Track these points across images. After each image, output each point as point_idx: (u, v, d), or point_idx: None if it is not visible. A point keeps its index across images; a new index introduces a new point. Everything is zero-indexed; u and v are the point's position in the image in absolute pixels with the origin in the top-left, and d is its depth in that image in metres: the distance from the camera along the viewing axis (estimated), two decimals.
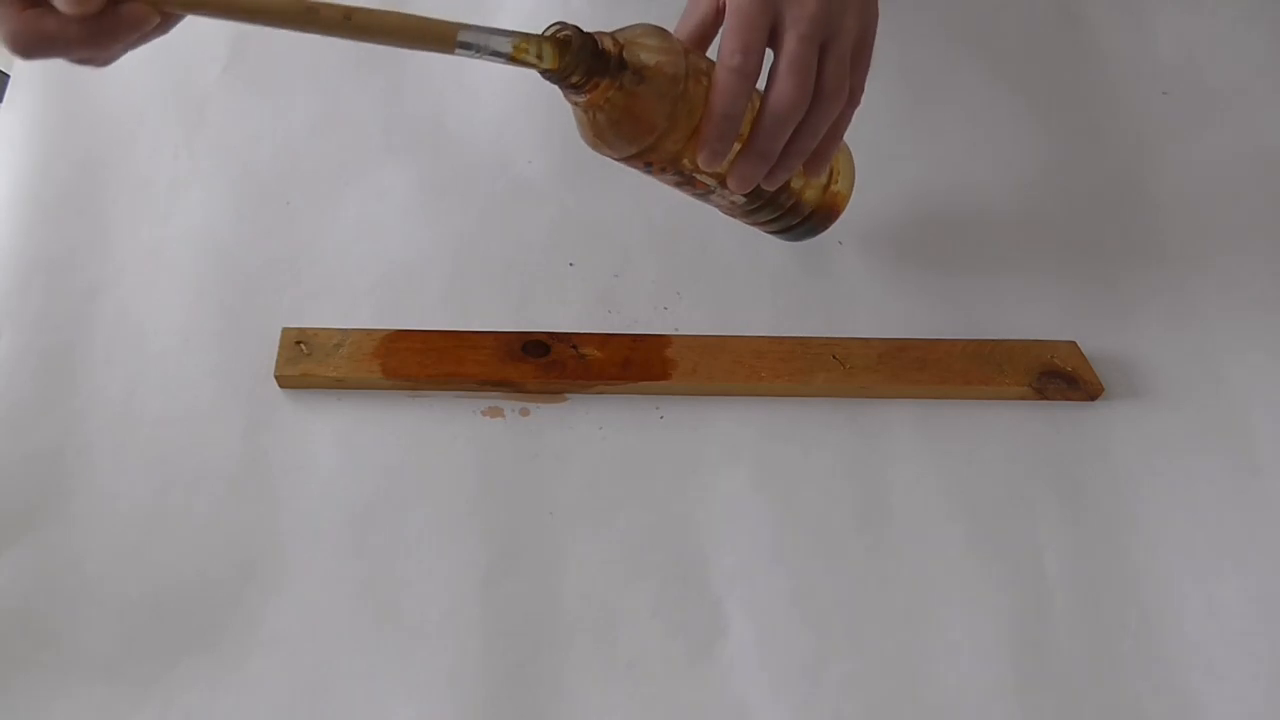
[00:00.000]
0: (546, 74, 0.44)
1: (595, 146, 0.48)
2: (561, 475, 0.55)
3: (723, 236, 0.62)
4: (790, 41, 0.45)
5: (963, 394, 0.57)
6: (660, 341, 0.58)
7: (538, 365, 0.57)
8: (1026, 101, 0.67)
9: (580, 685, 0.50)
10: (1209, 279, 0.61)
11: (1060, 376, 0.57)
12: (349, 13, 0.40)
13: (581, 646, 0.51)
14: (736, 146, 0.47)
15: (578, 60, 0.43)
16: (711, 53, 0.48)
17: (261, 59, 0.70)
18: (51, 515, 0.54)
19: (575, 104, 0.47)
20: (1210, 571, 0.53)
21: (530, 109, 0.68)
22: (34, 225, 0.63)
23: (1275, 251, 0.62)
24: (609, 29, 0.73)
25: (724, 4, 0.47)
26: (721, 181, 0.50)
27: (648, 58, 0.45)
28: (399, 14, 0.41)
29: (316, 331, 0.58)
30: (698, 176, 0.49)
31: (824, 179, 0.54)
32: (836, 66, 0.46)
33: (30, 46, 0.38)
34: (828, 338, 0.58)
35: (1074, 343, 0.58)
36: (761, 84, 0.47)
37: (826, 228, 0.57)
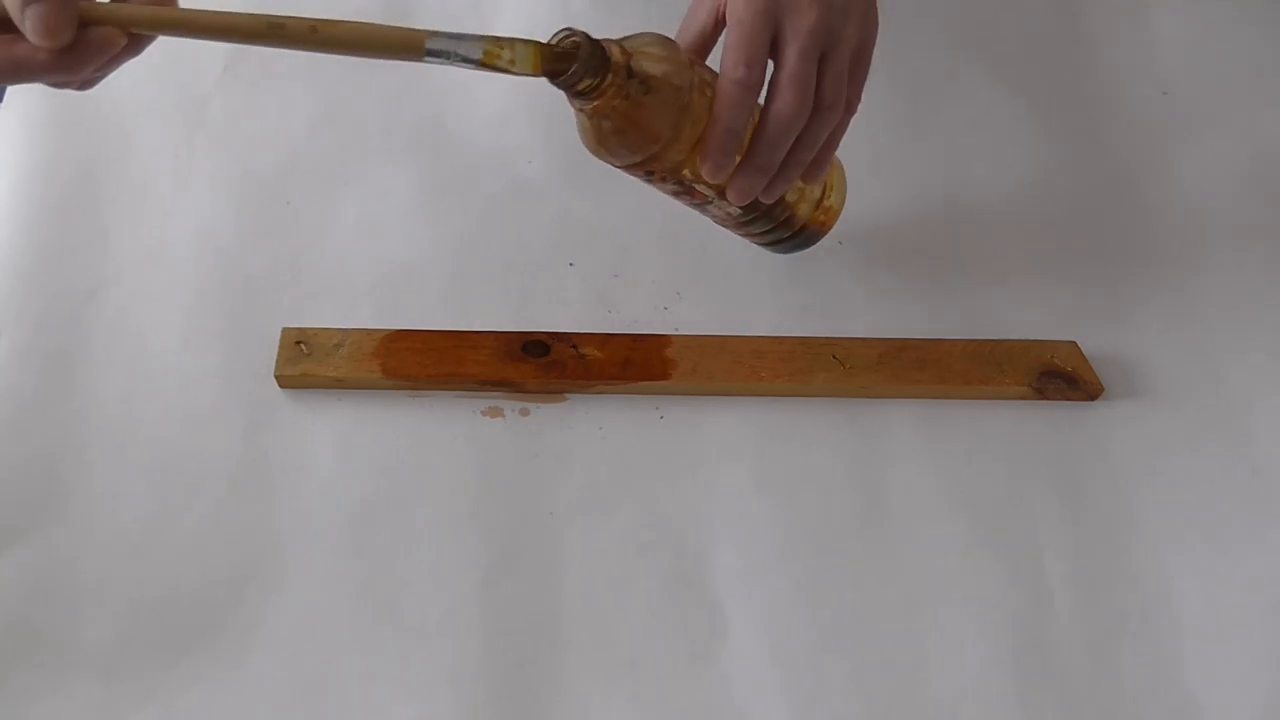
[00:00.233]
0: (554, 80, 0.44)
1: (597, 153, 0.49)
2: (561, 475, 0.55)
3: (723, 237, 0.62)
4: (791, 54, 0.45)
5: (963, 394, 0.57)
6: (660, 341, 0.58)
7: (538, 365, 0.57)
8: (1026, 101, 0.67)
9: (580, 685, 0.50)
10: (1209, 279, 0.61)
11: (1060, 376, 0.57)
12: (315, 26, 0.40)
13: (581, 646, 0.51)
14: (736, 158, 0.47)
15: (586, 67, 0.43)
16: (712, 61, 0.48)
17: (262, 59, 0.70)
18: (51, 515, 0.54)
19: (580, 110, 0.47)
20: (1210, 571, 0.53)
21: (530, 109, 0.68)
22: (34, 225, 0.63)
23: (1275, 251, 0.62)
24: (609, 29, 0.73)
25: (723, 14, 0.47)
26: (720, 193, 0.50)
27: (655, 67, 0.45)
28: (366, 24, 0.40)
29: (316, 331, 0.58)
30: (697, 187, 0.49)
31: (818, 193, 0.55)
32: (835, 78, 0.46)
33: (2, 73, 0.38)
34: (828, 338, 0.58)
35: (1074, 343, 0.58)
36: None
37: (817, 241, 0.57)
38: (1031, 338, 0.58)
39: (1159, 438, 0.56)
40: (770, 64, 0.46)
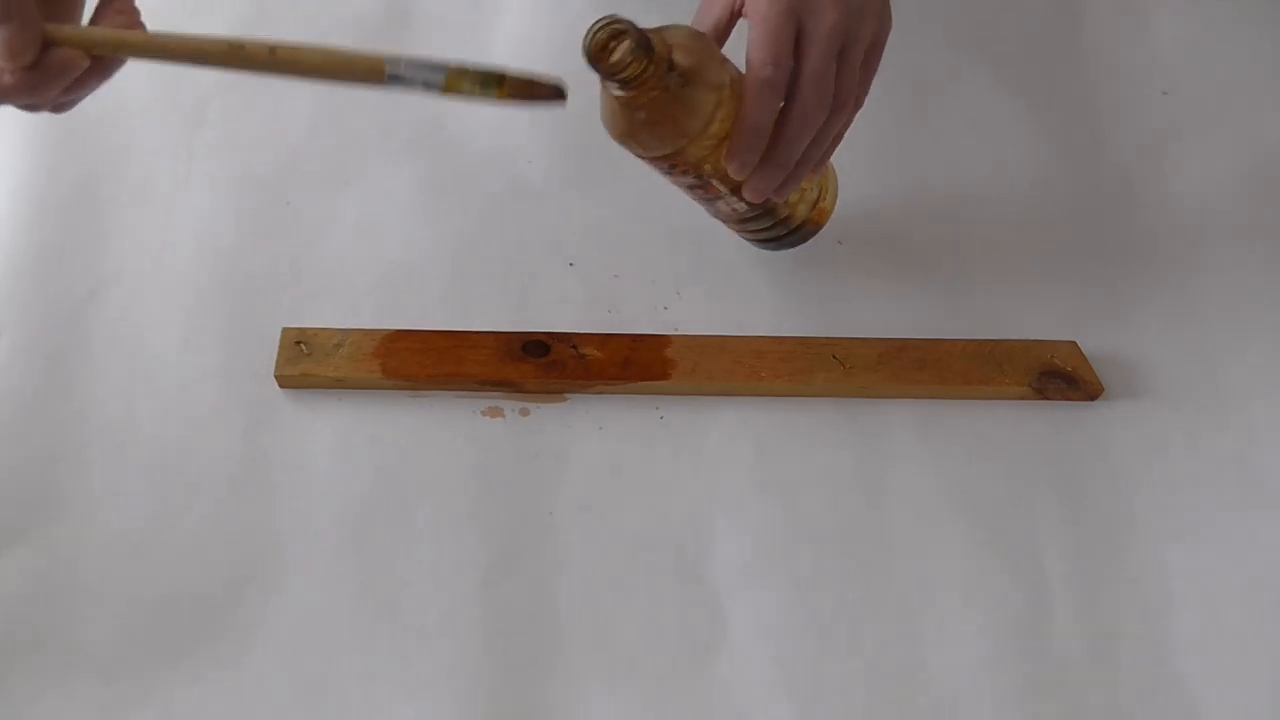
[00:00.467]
0: (597, 66, 0.44)
1: (624, 142, 0.48)
2: (561, 475, 0.55)
3: (723, 236, 0.62)
4: (814, 54, 0.45)
5: (963, 394, 0.57)
6: (660, 341, 0.58)
7: (538, 365, 0.57)
8: (1027, 102, 0.67)
9: (580, 685, 0.50)
10: (1209, 279, 0.61)
11: (1060, 376, 0.57)
12: (273, 48, 0.40)
13: (581, 646, 0.51)
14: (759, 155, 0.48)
15: (633, 56, 0.44)
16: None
17: None
18: (52, 515, 0.54)
19: (616, 98, 0.47)
20: (1210, 571, 0.53)
21: (530, 110, 0.67)
22: (35, 225, 0.63)
23: (1275, 252, 0.62)
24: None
25: (739, 9, 0.48)
26: (735, 189, 0.50)
27: (693, 62, 0.45)
28: (324, 48, 0.40)
29: (316, 331, 0.58)
30: (713, 182, 0.50)
31: (815, 194, 0.55)
32: (850, 76, 0.47)
33: None
34: (828, 338, 0.58)
35: (1074, 343, 0.58)
36: None
37: (808, 240, 0.58)
38: (1031, 338, 0.58)
39: (1159, 438, 0.56)
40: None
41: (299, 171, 0.66)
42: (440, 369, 0.57)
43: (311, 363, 0.57)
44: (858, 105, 0.49)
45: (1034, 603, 0.52)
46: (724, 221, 0.56)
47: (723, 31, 0.50)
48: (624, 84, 0.45)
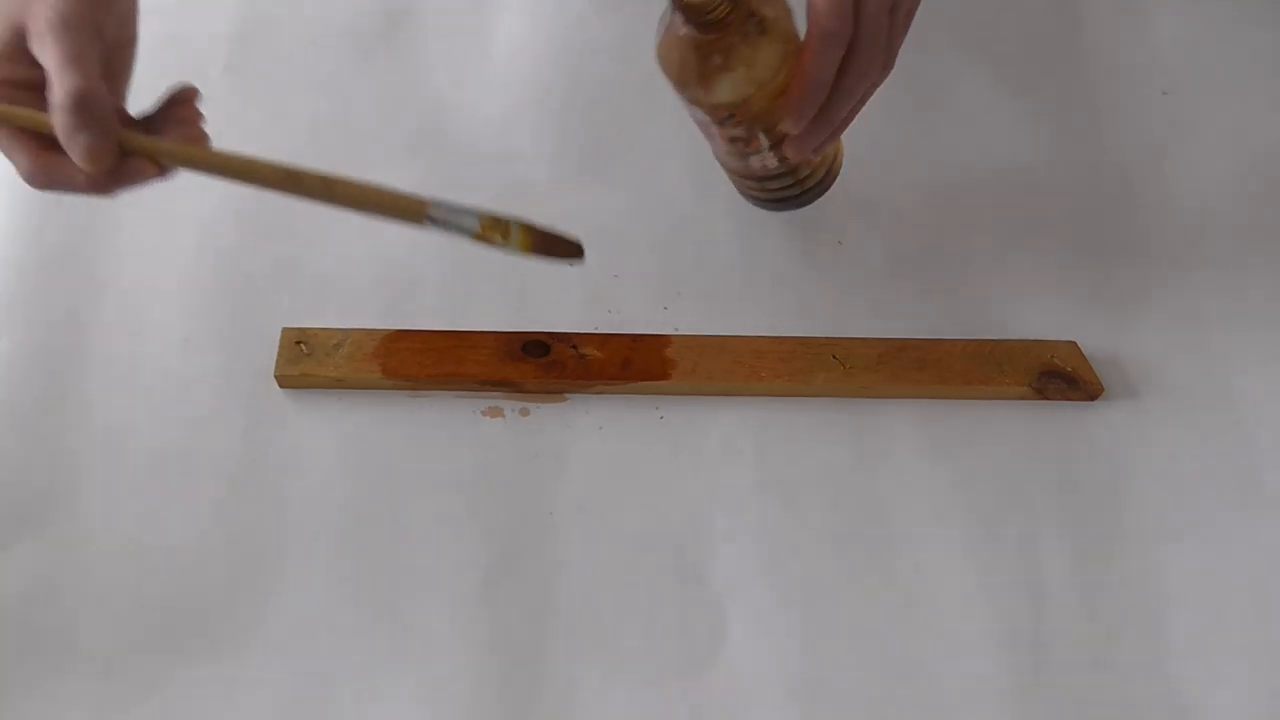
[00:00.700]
0: (682, 4, 0.45)
1: (690, 86, 0.48)
2: (561, 475, 0.55)
3: (723, 236, 0.62)
4: (871, 10, 0.45)
5: (963, 394, 0.57)
6: (660, 341, 0.58)
7: (538, 365, 0.57)
8: (1027, 101, 0.67)
9: (580, 685, 0.50)
10: (1209, 279, 0.61)
11: (1060, 376, 0.57)
12: (329, 182, 0.43)
13: (581, 646, 0.51)
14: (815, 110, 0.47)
15: None
16: None
17: (261, 59, 0.70)
18: (51, 515, 0.54)
19: (691, 42, 0.46)
20: (1210, 571, 0.53)
21: (530, 109, 0.68)
22: (34, 225, 0.63)
23: (1275, 251, 0.62)
24: (609, 30, 0.73)
25: None
26: (776, 144, 0.50)
27: (771, 12, 0.46)
28: (374, 187, 0.43)
29: (316, 331, 0.58)
30: (759, 135, 0.50)
31: (833, 155, 0.56)
32: (897, 35, 0.47)
33: (44, 186, 0.42)
34: (828, 338, 0.58)
35: (1074, 343, 0.58)
36: None
37: (812, 202, 0.58)
38: (1031, 338, 0.58)
39: (1159, 438, 0.56)
40: None
41: None
42: (440, 369, 0.57)
43: (311, 363, 0.57)
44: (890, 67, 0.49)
45: (1034, 603, 0.52)
46: (740, 177, 0.56)
47: None
48: (707, 26, 0.45)
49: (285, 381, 0.58)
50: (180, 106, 0.45)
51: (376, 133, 0.67)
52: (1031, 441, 0.56)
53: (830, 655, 0.51)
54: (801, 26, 0.46)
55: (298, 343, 0.58)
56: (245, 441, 0.56)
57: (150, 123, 0.45)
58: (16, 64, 0.41)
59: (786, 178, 0.54)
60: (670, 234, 0.63)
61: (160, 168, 0.43)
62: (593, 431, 0.57)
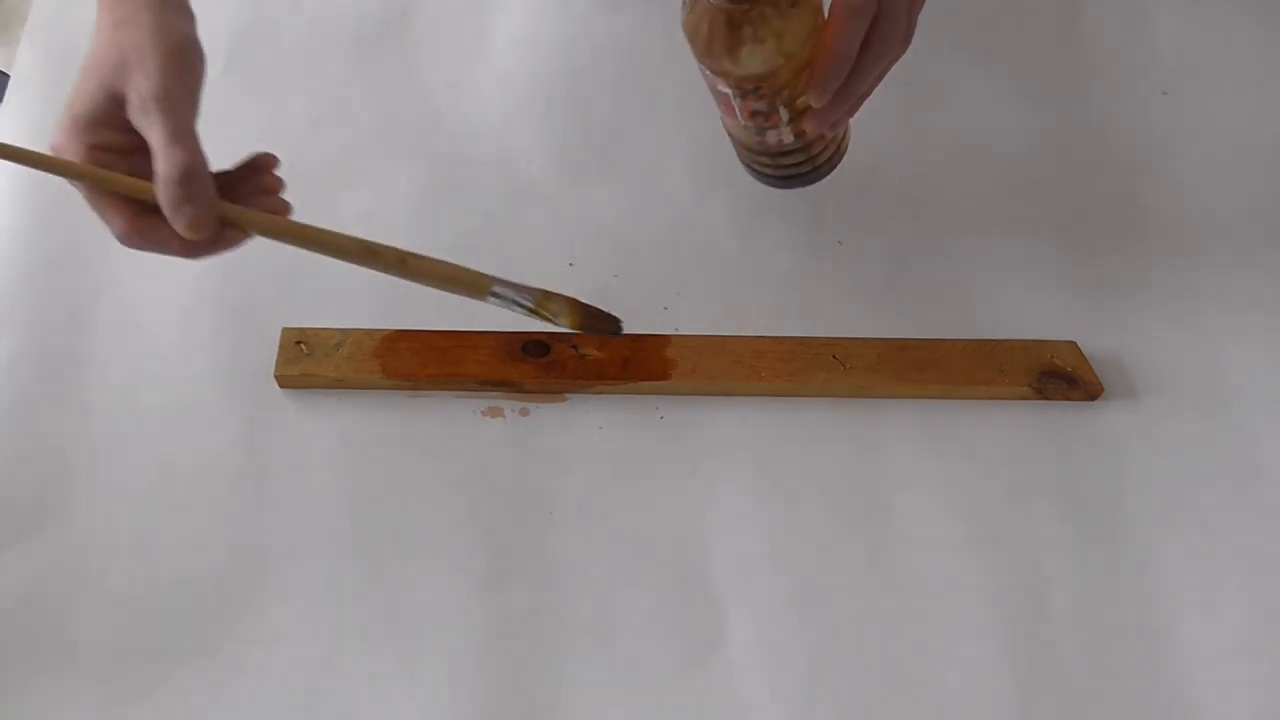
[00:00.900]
0: None
1: (718, 58, 0.48)
2: (561, 475, 0.55)
3: (723, 236, 0.62)
4: None
5: (963, 394, 0.57)
6: (660, 341, 0.58)
7: (538, 365, 0.57)
8: (1026, 102, 0.67)
9: (580, 685, 0.50)
10: (1209, 279, 0.61)
11: (1060, 376, 0.57)
12: (403, 257, 0.46)
13: (581, 646, 0.51)
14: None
15: None
16: None
17: (261, 59, 0.70)
18: (52, 515, 0.54)
19: (723, 12, 0.46)
20: (1210, 571, 0.53)
21: (530, 109, 0.68)
22: (34, 225, 0.63)
23: (1275, 251, 0.62)
24: (609, 29, 0.73)
25: None
26: (795, 118, 0.50)
27: None
28: (444, 263, 0.47)
29: (316, 331, 0.58)
30: (779, 109, 0.50)
31: (843, 132, 0.56)
32: (916, 11, 0.47)
33: (138, 247, 0.44)
34: (828, 338, 0.58)
35: (1074, 343, 0.58)
36: None
37: (820, 180, 0.57)
38: (1031, 338, 0.58)
39: (1159, 438, 0.56)
40: None
41: (299, 171, 0.65)
42: (440, 369, 0.57)
43: (311, 363, 0.57)
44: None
45: (1034, 603, 0.52)
46: (753, 153, 0.56)
47: None
48: None
49: (285, 381, 0.58)
50: (262, 175, 0.47)
51: (376, 133, 0.67)
52: (1031, 441, 0.56)
53: (830, 655, 0.51)
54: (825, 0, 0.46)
55: (298, 343, 0.58)
56: (245, 441, 0.56)
57: (229, 181, 0.46)
58: (113, 131, 0.43)
59: (800, 154, 0.54)
60: (670, 234, 0.63)
61: (247, 235, 0.45)
62: (593, 431, 0.57)
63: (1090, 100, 0.67)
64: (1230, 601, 0.52)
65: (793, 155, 0.54)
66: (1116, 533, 0.54)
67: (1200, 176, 0.64)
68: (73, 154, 0.43)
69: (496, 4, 0.72)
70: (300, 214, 0.64)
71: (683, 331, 0.59)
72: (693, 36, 0.48)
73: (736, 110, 0.51)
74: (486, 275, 0.47)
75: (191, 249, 0.44)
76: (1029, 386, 0.56)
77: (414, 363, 0.57)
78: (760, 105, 0.50)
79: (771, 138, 0.53)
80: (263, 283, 0.61)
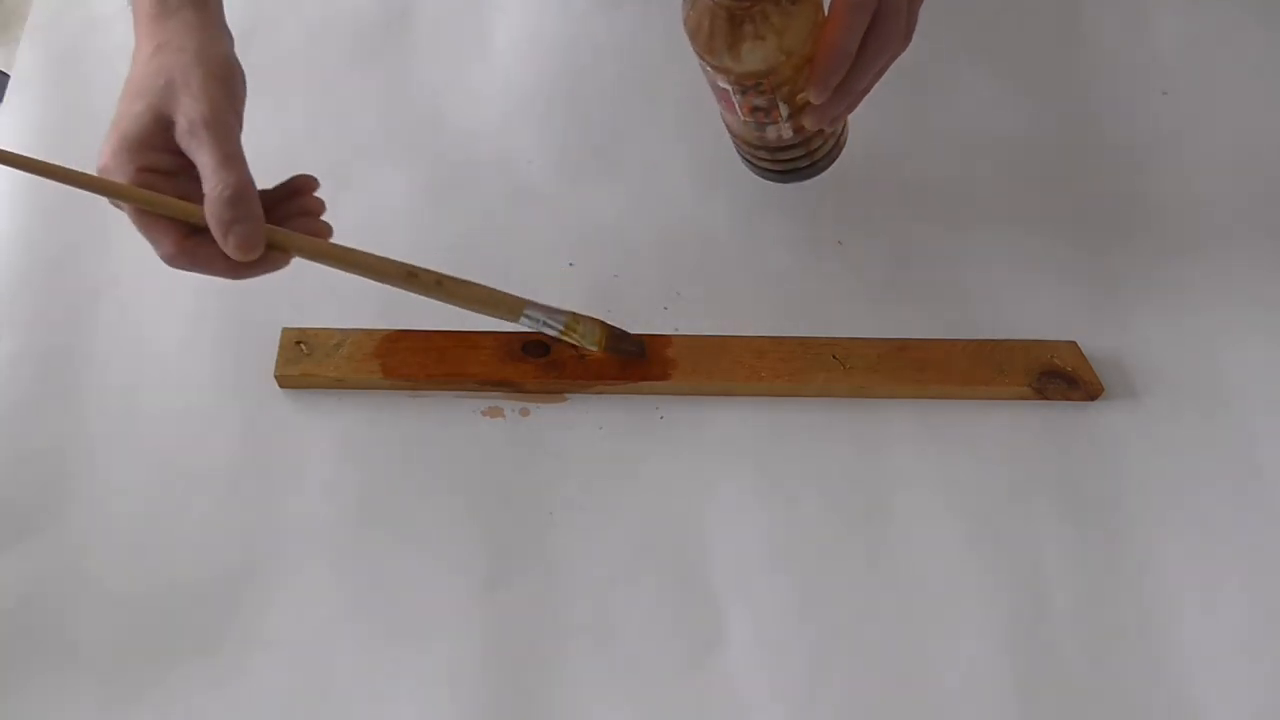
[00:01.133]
0: None
1: (719, 54, 0.48)
2: (561, 475, 0.55)
3: (723, 236, 0.62)
4: None
5: (963, 394, 0.57)
6: (660, 341, 0.58)
7: (538, 365, 0.57)
8: (1026, 101, 0.67)
9: (580, 685, 0.50)
10: (1209, 279, 0.61)
11: (1060, 376, 0.57)
12: (440, 280, 0.48)
13: (581, 646, 0.51)
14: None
15: None
16: None
17: (261, 59, 0.69)
18: (52, 515, 0.54)
19: (725, 8, 0.46)
20: (1210, 571, 0.53)
21: (530, 109, 0.68)
22: (34, 225, 0.63)
23: (1275, 251, 0.62)
24: (609, 29, 0.73)
25: None
26: (794, 113, 0.50)
27: None
28: (480, 286, 0.49)
29: (316, 331, 0.58)
30: (779, 105, 0.50)
31: (841, 126, 0.56)
32: (916, 9, 0.47)
33: (184, 267, 0.45)
34: (828, 338, 0.58)
35: (1074, 343, 0.58)
36: None
37: (818, 175, 0.58)
38: (1031, 338, 0.58)
39: (1159, 438, 0.56)
40: None
41: (299, 171, 0.65)
42: (440, 369, 0.57)
43: (311, 363, 0.57)
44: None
45: (1034, 603, 0.52)
46: (752, 148, 0.56)
47: None
48: None
49: (285, 381, 0.58)
50: (303, 197, 0.48)
51: (377, 132, 0.67)
52: (1031, 441, 0.56)
53: (830, 655, 0.51)
54: None
55: (298, 343, 0.58)
56: (245, 441, 0.56)
57: (270, 202, 0.47)
58: (161, 153, 0.44)
59: (799, 149, 0.55)
60: (670, 234, 0.63)
61: (290, 257, 0.46)
62: (593, 431, 0.57)
63: (1090, 100, 0.67)
64: (1230, 601, 0.52)
65: (792, 150, 0.55)
66: (1116, 533, 0.54)
67: (1200, 176, 0.64)
68: (121, 176, 0.43)
69: (496, 4, 0.72)
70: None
71: (683, 331, 0.59)
72: (694, 33, 0.48)
73: (736, 106, 0.51)
74: (520, 298, 0.50)
75: (237, 270, 0.45)
76: (1029, 386, 0.56)
77: (414, 363, 0.57)
78: (760, 101, 0.50)
79: (771, 133, 0.53)
80: (263, 283, 0.61)
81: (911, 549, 0.53)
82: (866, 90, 0.49)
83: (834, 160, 0.57)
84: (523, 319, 0.50)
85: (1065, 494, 0.55)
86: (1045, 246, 0.62)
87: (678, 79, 0.66)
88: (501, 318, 0.50)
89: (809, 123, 0.50)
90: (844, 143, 0.57)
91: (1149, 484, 0.55)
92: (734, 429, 0.57)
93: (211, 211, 0.42)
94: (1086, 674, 0.50)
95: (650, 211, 0.63)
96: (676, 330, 0.59)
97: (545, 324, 0.51)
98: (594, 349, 0.52)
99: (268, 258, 0.45)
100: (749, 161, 0.58)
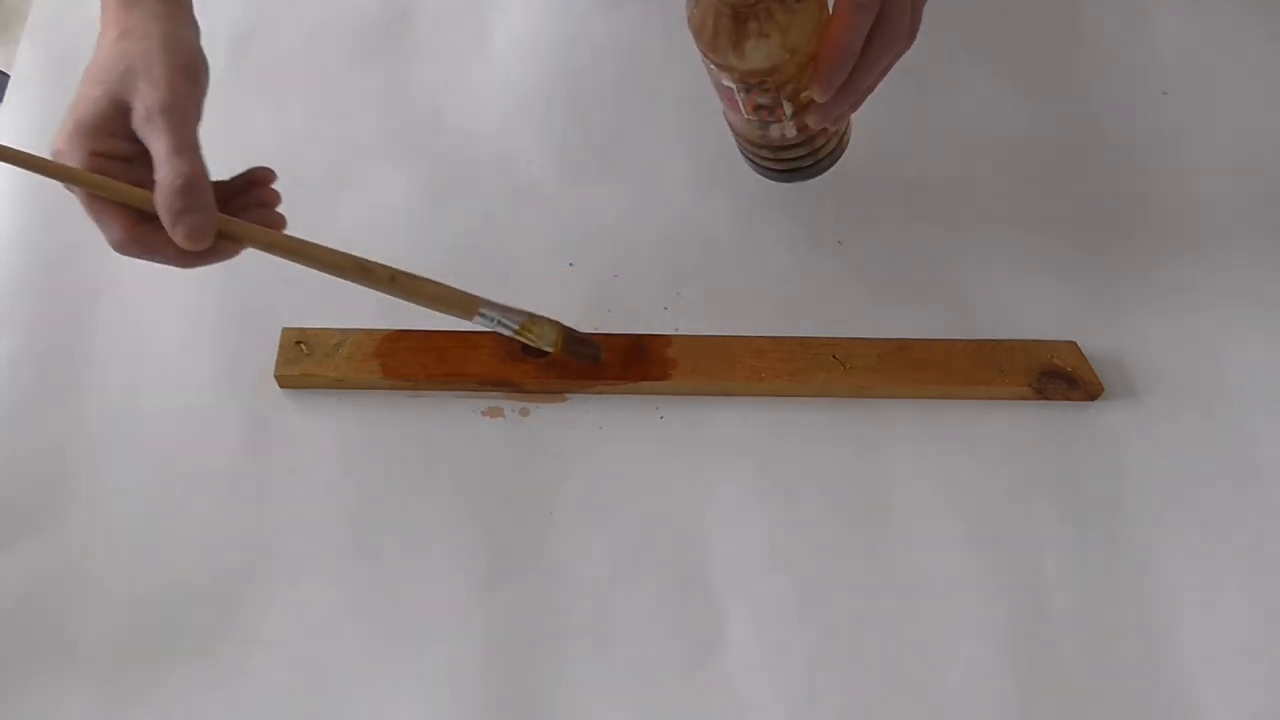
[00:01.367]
0: None
1: (723, 52, 0.48)
2: (561, 475, 0.55)
3: (723, 236, 0.62)
4: None
5: (963, 394, 0.57)
6: (660, 341, 0.58)
7: (538, 365, 0.57)
8: (1026, 101, 0.67)
9: (580, 685, 0.50)
10: (1209, 279, 0.61)
11: (1060, 376, 0.57)
12: (394, 275, 0.47)
13: (581, 647, 0.51)
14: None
15: None
16: None
17: (261, 59, 0.70)
18: (52, 515, 0.54)
19: (730, 5, 0.46)
20: (1210, 571, 0.53)
21: (530, 109, 0.68)
22: (34, 225, 0.63)
23: (1276, 251, 0.62)
24: (609, 29, 0.73)
25: None
26: (798, 112, 0.50)
27: None
28: (434, 283, 0.48)
29: (316, 331, 0.58)
30: (783, 103, 0.50)
31: (844, 126, 0.56)
32: (919, 7, 0.47)
33: (133, 254, 0.44)
34: (828, 338, 0.58)
35: (1074, 343, 0.58)
36: None
37: (821, 174, 0.58)
38: (1031, 338, 0.58)
39: (1159, 438, 0.56)
40: None
41: (299, 171, 0.65)
42: (440, 369, 0.57)
43: (311, 363, 0.57)
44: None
45: (1034, 602, 0.52)
46: (755, 146, 0.56)
47: None
48: None
49: (285, 381, 0.58)
50: (259, 189, 0.47)
51: (377, 132, 0.67)
52: (1031, 441, 0.56)
53: (830, 655, 0.51)
54: None
55: (298, 343, 0.58)
56: (245, 441, 0.56)
57: (226, 193, 0.47)
58: (116, 138, 0.43)
59: (802, 147, 0.54)
60: (670, 234, 0.63)
61: (241, 247, 0.46)
62: (593, 431, 0.57)
63: (1090, 100, 0.67)
64: (1230, 601, 0.52)
65: (795, 149, 0.55)
66: (1116, 533, 0.54)
67: (1200, 176, 0.64)
68: (74, 160, 0.43)
69: (496, 4, 0.72)
70: (300, 214, 0.64)
71: (683, 331, 0.59)
72: (698, 31, 0.48)
73: (740, 104, 0.51)
74: (475, 296, 0.48)
75: (186, 259, 0.45)
76: (1029, 386, 0.56)
77: (414, 363, 0.57)
78: (764, 100, 0.50)
79: (774, 132, 0.53)
80: (263, 283, 0.61)
81: (911, 549, 0.53)
82: (871, 89, 0.49)
83: (837, 160, 0.57)
84: (477, 318, 0.49)
85: (1065, 494, 0.55)
86: (1045, 246, 0.62)
87: (678, 79, 0.66)
88: (456, 315, 0.49)
89: (813, 121, 0.50)
90: (847, 142, 0.57)
91: (1149, 484, 0.55)
92: (734, 429, 0.57)
93: (162, 200, 0.42)
94: (1086, 674, 0.50)
95: (650, 211, 0.63)
96: (676, 330, 0.59)
97: (500, 323, 0.49)
98: (550, 350, 0.51)
99: (218, 247, 0.45)
100: (752, 161, 0.58)
